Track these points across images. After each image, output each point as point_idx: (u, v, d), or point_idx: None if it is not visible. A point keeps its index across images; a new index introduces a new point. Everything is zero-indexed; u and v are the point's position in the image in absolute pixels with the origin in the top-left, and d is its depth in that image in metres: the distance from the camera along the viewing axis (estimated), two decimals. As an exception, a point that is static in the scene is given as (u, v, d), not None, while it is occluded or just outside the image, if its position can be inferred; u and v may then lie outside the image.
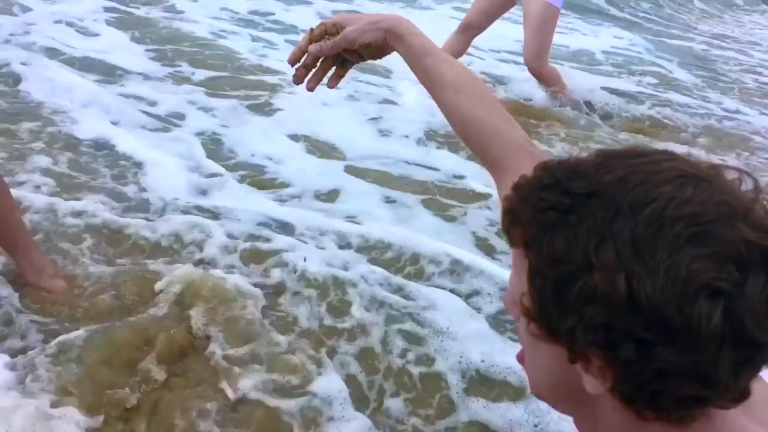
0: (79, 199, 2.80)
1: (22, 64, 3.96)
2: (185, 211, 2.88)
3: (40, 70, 3.91)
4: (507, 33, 5.53)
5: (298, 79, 1.31)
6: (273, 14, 5.71)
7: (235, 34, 5.19)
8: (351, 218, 3.05)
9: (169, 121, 3.72)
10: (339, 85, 1.36)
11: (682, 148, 4.31)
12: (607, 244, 0.67)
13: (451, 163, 3.67)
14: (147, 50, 4.57)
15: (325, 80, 1.35)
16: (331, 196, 3.24)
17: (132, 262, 2.52)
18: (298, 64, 1.30)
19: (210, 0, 5.79)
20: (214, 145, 3.53)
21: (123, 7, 5.25)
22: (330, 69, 1.32)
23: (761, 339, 0.65)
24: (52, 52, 4.22)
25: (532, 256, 0.73)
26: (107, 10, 5.12)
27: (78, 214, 2.71)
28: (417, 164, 3.64)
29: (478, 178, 3.46)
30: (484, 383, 2.23)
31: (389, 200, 3.27)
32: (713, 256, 0.64)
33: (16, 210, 2.18)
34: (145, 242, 2.64)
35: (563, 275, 0.69)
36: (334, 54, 1.28)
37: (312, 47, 1.27)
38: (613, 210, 0.68)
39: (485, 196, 3.33)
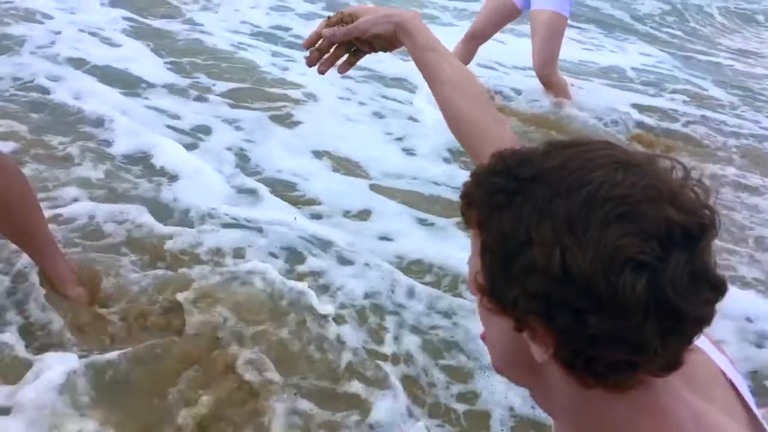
0: (116, 210, 2.80)
1: (51, 78, 3.91)
2: (224, 224, 2.87)
3: (69, 82, 3.88)
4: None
5: (311, 62, 1.37)
6: (291, 29, 5.58)
7: (255, 48, 5.11)
8: (385, 238, 2.96)
9: (195, 135, 3.66)
10: (349, 73, 1.42)
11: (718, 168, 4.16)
12: (545, 222, 0.74)
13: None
14: (167, 62, 4.49)
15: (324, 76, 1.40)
16: (361, 215, 3.14)
17: (171, 273, 2.50)
18: (312, 48, 1.36)
19: (229, 14, 5.72)
20: (241, 160, 3.47)
21: (142, 19, 5.17)
22: (343, 56, 1.37)
23: (683, 308, 0.71)
24: (77, 63, 4.17)
25: (484, 235, 0.80)
26: (126, 20, 5.05)
27: (116, 224, 2.72)
28: (446, 185, 3.53)
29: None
30: (532, 426, 2.07)
31: (422, 221, 3.17)
32: (638, 233, 0.70)
33: (43, 221, 2.20)
34: (184, 253, 2.63)
35: (509, 251, 0.76)
36: (347, 42, 1.34)
37: (326, 31, 1.33)
38: (553, 192, 0.75)
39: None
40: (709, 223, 0.74)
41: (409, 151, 3.86)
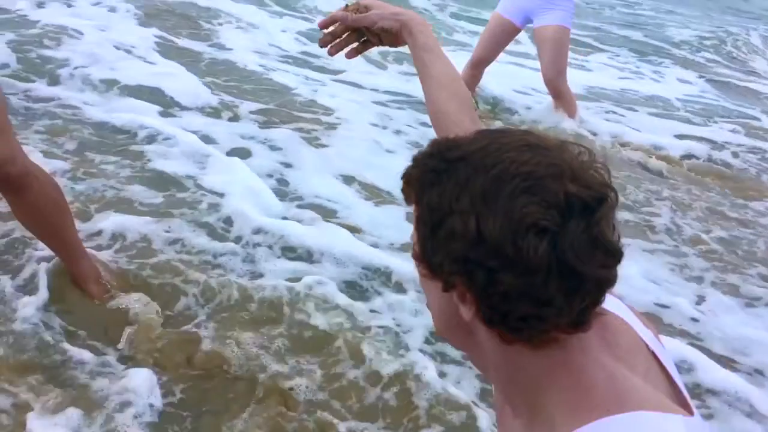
0: (168, 230, 2.80)
1: (89, 97, 3.89)
2: (281, 246, 2.84)
3: (107, 101, 3.90)
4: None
5: (323, 43, 1.48)
6: (320, 56, 5.44)
7: (284, 71, 5.05)
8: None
9: (233, 156, 3.61)
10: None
11: None
12: (465, 195, 0.87)
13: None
14: (202, 83, 4.43)
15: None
16: (405, 247, 3.03)
17: (225, 299, 2.48)
18: (326, 30, 1.47)
19: (258, 35, 5.67)
20: (280, 183, 3.43)
21: (173, 38, 5.12)
22: (353, 43, 1.48)
23: (581, 269, 0.82)
24: (112, 82, 4.15)
25: (418, 209, 0.92)
26: (157, 39, 5.02)
27: (169, 243, 2.72)
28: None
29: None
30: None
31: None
32: (541, 203, 0.83)
33: (72, 224, 2.39)
34: (232, 272, 2.62)
35: (435, 220, 0.89)
36: (359, 31, 1.46)
37: (339, 13, 1.46)
38: (472, 170, 0.88)
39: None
40: (606, 197, 0.85)
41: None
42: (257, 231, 2.90)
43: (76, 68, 4.18)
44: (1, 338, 2.15)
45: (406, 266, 2.77)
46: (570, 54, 4.68)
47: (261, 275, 2.65)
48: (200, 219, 2.93)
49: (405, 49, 1.41)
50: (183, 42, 5.07)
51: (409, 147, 4.04)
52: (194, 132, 3.71)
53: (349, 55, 1.50)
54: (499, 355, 0.93)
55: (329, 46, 1.49)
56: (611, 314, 0.98)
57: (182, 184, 3.19)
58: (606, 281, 0.85)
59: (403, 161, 0.91)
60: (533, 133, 0.93)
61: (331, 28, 1.46)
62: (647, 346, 1.00)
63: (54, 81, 3.99)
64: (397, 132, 4.22)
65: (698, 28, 9.11)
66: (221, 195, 3.11)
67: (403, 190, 0.96)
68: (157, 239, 2.72)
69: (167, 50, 4.83)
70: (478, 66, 4.64)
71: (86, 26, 4.80)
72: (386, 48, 1.47)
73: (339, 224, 3.10)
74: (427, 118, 4.33)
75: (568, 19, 4.47)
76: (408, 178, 0.94)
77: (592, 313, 0.86)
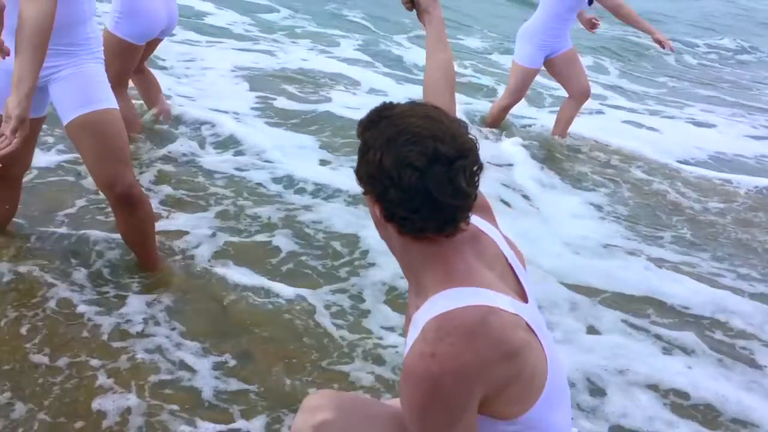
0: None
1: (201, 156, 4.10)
2: None
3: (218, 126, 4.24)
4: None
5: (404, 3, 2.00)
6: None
7: None
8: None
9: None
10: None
11: None
12: (379, 138, 1.39)
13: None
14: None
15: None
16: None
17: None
18: None
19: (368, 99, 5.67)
20: None
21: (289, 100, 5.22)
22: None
23: (438, 197, 1.34)
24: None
25: (359, 143, 1.45)
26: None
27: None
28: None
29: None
30: None
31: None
32: (418, 152, 1.34)
33: (153, 234, 2.88)
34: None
35: (364, 151, 1.42)
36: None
37: None
38: (388, 124, 1.40)
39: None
40: (464, 156, 1.36)
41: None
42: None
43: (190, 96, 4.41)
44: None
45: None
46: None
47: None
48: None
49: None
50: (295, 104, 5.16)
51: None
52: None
53: (407, 7, 1.98)
54: (398, 242, 1.46)
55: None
56: (486, 235, 1.54)
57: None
58: (456, 209, 1.37)
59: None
60: (440, 110, 1.43)
61: None
62: (507, 259, 1.54)
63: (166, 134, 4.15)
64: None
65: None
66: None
67: (357, 135, 1.46)
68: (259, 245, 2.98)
69: (276, 112, 4.94)
70: (507, 109, 5.19)
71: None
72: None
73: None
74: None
75: (570, 39, 4.98)
76: (359, 122, 1.46)
77: (453, 226, 1.38)
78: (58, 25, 2.27)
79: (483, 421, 1.40)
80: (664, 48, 4.67)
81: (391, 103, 1.46)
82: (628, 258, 3.65)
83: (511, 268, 1.52)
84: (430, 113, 1.40)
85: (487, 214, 1.62)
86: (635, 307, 3.21)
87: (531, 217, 4.01)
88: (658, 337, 3.00)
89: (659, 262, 3.64)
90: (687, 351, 2.93)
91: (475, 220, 1.51)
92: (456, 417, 1.32)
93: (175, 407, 2.27)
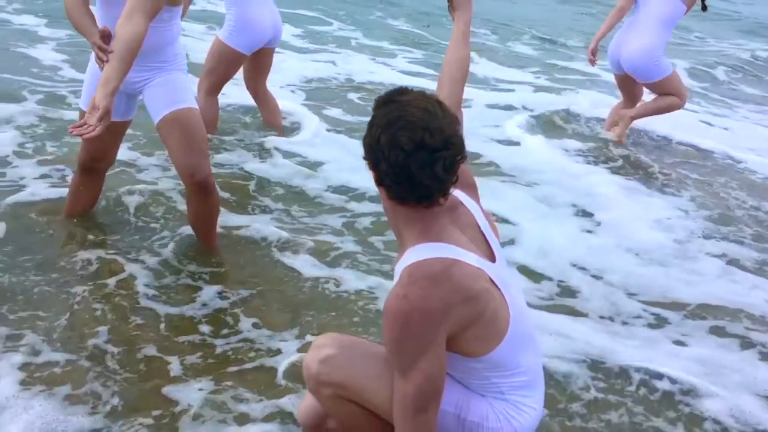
0: None
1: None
2: None
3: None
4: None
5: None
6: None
7: None
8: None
9: None
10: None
11: None
12: (382, 119, 1.65)
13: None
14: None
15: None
16: None
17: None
18: None
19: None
20: None
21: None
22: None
23: (417, 177, 1.62)
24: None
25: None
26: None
27: None
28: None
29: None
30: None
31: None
32: (408, 137, 1.60)
33: (216, 221, 3.19)
34: None
35: (368, 128, 1.68)
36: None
37: None
38: (393, 108, 1.65)
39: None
40: (445, 149, 1.61)
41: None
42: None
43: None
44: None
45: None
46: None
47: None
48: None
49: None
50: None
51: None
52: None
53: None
54: (388, 204, 1.74)
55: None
56: (463, 206, 1.83)
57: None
58: (435, 189, 1.64)
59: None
60: (441, 105, 1.66)
61: None
62: (479, 227, 1.84)
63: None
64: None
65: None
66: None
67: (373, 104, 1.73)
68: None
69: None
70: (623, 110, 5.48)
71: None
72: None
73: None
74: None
75: None
76: (377, 98, 1.72)
77: (429, 200, 1.65)
78: (152, 46, 2.72)
79: (453, 357, 1.71)
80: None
81: (405, 88, 1.71)
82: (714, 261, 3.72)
83: (483, 234, 1.83)
84: (429, 107, 1.64)
85: (472, 191, 1.92)
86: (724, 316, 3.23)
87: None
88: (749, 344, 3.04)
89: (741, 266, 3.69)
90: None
91: (458, 194, 1.83)
92: (424, 347, 1.62)
93: (252, 394, 2.38)
